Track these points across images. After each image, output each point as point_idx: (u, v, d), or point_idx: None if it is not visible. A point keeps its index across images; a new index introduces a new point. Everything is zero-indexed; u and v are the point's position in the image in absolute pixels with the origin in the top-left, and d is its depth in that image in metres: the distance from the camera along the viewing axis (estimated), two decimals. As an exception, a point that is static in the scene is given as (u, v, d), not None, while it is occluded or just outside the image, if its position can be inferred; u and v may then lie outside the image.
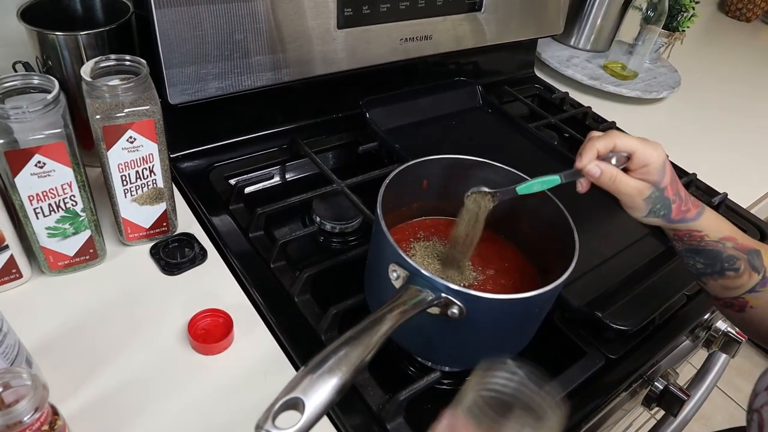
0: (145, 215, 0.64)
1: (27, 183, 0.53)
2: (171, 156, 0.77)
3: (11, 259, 0.57)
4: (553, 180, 0.54)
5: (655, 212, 0.53)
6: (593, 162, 0.51)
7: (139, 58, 0.60)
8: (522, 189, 0.55)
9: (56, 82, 0.54)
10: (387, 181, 0.55)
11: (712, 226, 0.55)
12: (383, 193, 0.53)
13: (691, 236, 0.55)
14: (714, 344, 0.83)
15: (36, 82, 0.55)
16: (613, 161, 0.51)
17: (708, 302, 0.73)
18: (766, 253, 0.56)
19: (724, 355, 0.85)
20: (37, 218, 0.56)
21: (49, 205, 0.56)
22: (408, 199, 0.62)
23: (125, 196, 0.61)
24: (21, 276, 0.59)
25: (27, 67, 0.68)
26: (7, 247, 0.56)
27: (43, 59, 0.67)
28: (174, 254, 0.65)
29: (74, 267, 0.62)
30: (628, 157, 0.51)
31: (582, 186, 0.54)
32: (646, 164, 0.51)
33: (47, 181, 0.54)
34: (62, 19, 0.70)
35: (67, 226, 0.58)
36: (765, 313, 0.55)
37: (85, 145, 0.74)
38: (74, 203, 0.57)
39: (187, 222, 0.70)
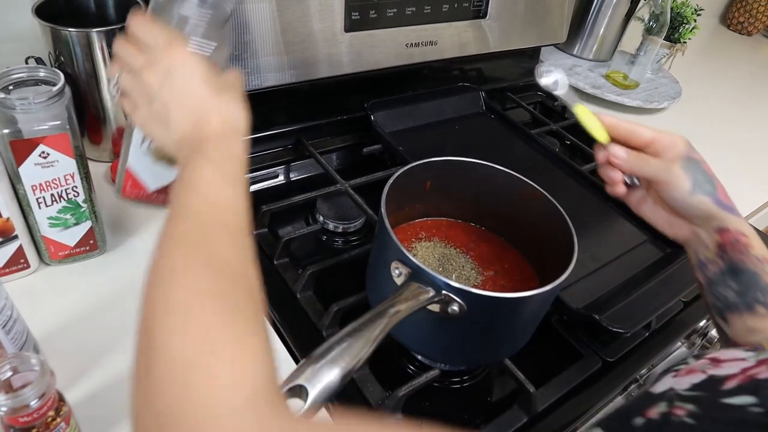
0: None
1: (31, 173, 0.55)
2: (178, 153, 0.78)
3: (20, 249, 0.58)
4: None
5: (700, 186, 0.49)
6: (616, 146, 0.52)
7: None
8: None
9: (62, 75, 0.55)
10: (391, 180, 0.56)
11: (755, 237, 0.49)
12: (387, 192, 0.54)
13: (737, 242, 0.49)
14: (710, 351, 0.84)
15: (42, 74, 0.56)
16: None
17: (705, 310, 0.74)
18: None
19: (719, 363, 0.86)
20: (40, 208, 0.57)
21: (52, 195, 0.57)
22: (411, 199, 0.63)
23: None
24: (29, 266, 0.60)
25: (39, 62, 0.69)
26: (16, 237, 0.57)
27: (56, 55, 0.68)
28: (179, 249, 0.66)
29: (74, 257, 0.63)
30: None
31: (613, 177, 0.54)
32: (674, 143, 0.50)
33: (50, 171, 0.55)
34: (75, 16, 0.71)
35: (68, 216, 0.59)
36: None
37: (93, 138, 0.75)
38: (76, 194, 0.58)
39: (192, 218, 0.71)
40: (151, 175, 0.56)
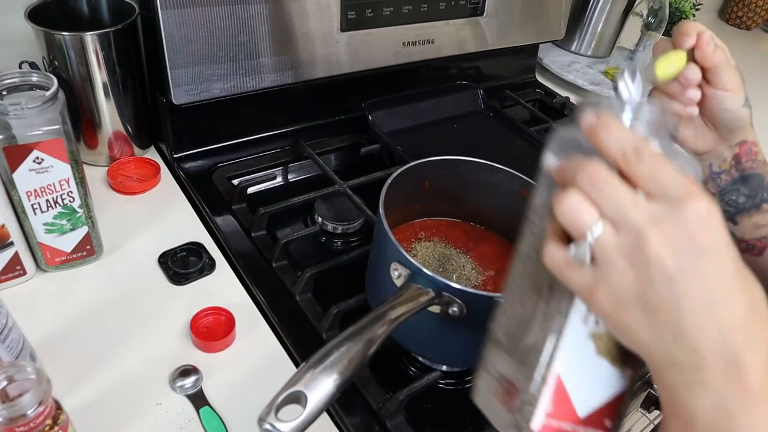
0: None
1: (25, 179, 0.54)
2: (175, 156, 0.78)
3: (16, 256, 0.58)
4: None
5: (748, 101, 0.51)
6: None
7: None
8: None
9: (55, 80, 0.54)
10: (389, 181, 0.55)
11: (759, 143, 0.54)
12: (385, 193, 0.54)
13: (750, 152, 0.53)
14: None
15: (35, 79, 0.55)
16: None
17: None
18: None
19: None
20: (35, 214, 0.57)
21: (47, 200, 0.56)
22: (410, 199, 0.62)
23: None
24: (25, 273, 0.60)
25: (33, 66, 0.69)
26: (12, 243, 0.57)
27: (50, 59, 0.68)
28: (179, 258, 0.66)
29: (71, 263, 0.62)
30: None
31: (695, 75, 0.50)
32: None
33: (45, 176, 0.55)
34: (69, 20, 0.71)
35: (64, 222, 0.59)
36: None
37: (88, 143, 0.75)
38: (72, 199, 0.58)
39: (189, 221, 0.71)
40: (586, 381, 0.32)
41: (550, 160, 0.32)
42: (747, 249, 0.55)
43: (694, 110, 0.50)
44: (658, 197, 0.28)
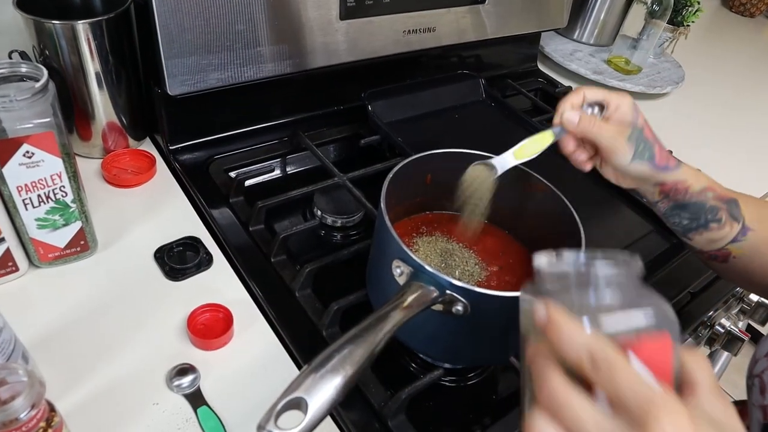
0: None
1: (15, 173, 0.52)
2: (170, 148, 0.76)
3: (8, 252, 0.56)
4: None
5: (640, 155, 0.54)
6: (569, 111, 0.53)
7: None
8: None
9: (45, 71, 0.52)
10: (391, 175, 0.54)
11: (693, 176, 0.56)
12: (387, 188, 0.52)
13: (677, 189, 0.55)
14: (716, 342, 0.83)
15: (24, 70, 0.53)
16: (588, 112, 0.54)
17: (712, 301, 0.73)
18: (743, 202, 0.57)
19: (726, 353, 0.85)
20: (26, 209, 0.55)
21: (39, 195, 0.55)
22: (411, 193, 0.61)
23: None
24: (17, 269, 0.58)
25: (23, 56, 0.67)
26: (3, 239, 0.55)
27: (40, 48, 0.66)
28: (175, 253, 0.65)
29: (65, 259, 0.61)
30: (601, 107, 0.54)
31: (566, 146, 0.55)
32: (618, 106, 0.53)
33: (36, 171, 0.53)
34: (59, 8, 0.68)
35: (57, 217, 0.57)
36: (747, 262, 0.56)
37: (82, 134, 0.73)
38: (64, 194, 0.56)
39: (186, 215, 0.70)
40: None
41: (524, 298, 0.33)
42: (711, 258, 0.58)
43: (586, 167, 0.56)
44: (619, 408, 0.26)
